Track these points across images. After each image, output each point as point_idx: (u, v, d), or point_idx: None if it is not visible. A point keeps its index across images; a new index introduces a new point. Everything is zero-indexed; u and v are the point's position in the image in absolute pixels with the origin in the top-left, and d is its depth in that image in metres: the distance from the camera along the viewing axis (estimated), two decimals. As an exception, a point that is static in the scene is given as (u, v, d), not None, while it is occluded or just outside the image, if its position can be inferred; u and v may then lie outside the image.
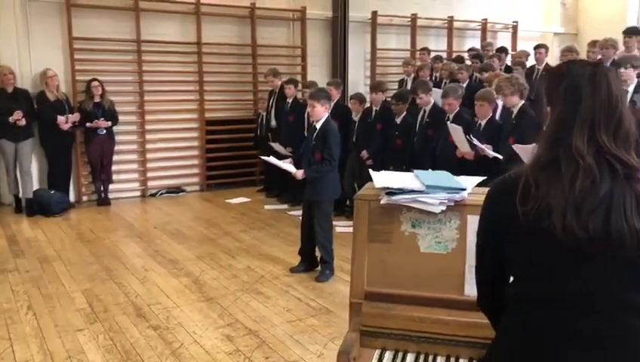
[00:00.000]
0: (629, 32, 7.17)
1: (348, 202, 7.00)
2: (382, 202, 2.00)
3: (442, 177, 2.10)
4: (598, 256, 1.29)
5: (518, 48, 10.35)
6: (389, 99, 6.76)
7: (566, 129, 1.34)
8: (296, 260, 5.12)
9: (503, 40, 10.87)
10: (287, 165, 5.02)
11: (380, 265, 2.01)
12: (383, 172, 2.19)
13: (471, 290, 1.92)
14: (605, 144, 1.31)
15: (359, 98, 6.88)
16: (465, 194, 1.97)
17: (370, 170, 2.22)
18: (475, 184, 2.06)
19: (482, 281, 1.58)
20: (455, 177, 2.11)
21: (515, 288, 1.44)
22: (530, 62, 8.20)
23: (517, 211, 1.34)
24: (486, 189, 1.99)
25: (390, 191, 1.99)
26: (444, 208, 1.94)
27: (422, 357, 1.90)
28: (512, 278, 1.47)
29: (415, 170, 2.20)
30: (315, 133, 4.90)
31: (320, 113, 4.86)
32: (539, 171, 1.35)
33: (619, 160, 1.30)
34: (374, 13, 9.64)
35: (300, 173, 4.90)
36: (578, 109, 1.34)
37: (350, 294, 2.04)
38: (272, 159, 5.14)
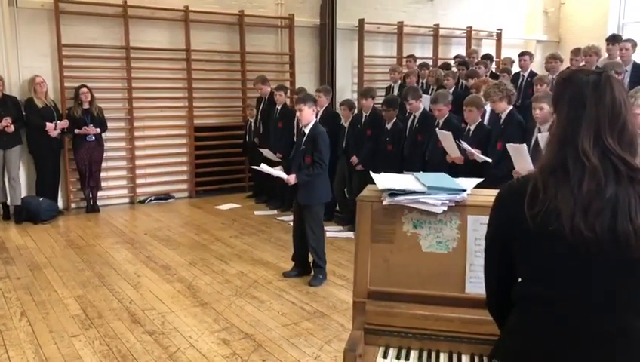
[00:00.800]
0: (612, 40, 7.32)
1: (338, 207, 7.07)
2: (384, 203, 2.05)
3: (442, 179, 2.16)
4: (604, 256, 1.34)
5: (502, 55, 10.51)
6: (379, 105, 6.83)
7: (573, 132, 1.40)
8: (288, 265, 5.16)
9: (488, 47, 11.03)
10: (279, 172, 5.03)
11: (383, 264, 2.06)
12: (383, 174, 2.24)
13: (472, 288, 1.99)
14: (611, 145, 1.36)
15: (349, 104, 6.94)
16: (465, 194, 2.04)
17: (371, 173, 2.27)
18: (474, 185, 2.12)
19: (490, 282, 1.62)
20: (454, 179, 2.18)
21: (522, 289, 1.48)
22: (515, 69, 8.33)
23: (524, 214, 1.39)
24: (485, 190, 2.07)
25: (392, 193, 2.05)
26: (445, 208, 2.00)
27: (425, 354, 1.95)
28: (519, 279, 1.52)
29: (414, 173, 2.26)
30: (305, 138, 4.94)
31: (308, 116, 4.90)
32: (547, 175, 1.40)
33: (624, 161, 1.36)
34: (361, 21, 9.73)
35: (292, 178, 4.92)
36: (583, 115, 1.39)
37: (354, 293, 2.09)
38: (263, 167, 5.11)
